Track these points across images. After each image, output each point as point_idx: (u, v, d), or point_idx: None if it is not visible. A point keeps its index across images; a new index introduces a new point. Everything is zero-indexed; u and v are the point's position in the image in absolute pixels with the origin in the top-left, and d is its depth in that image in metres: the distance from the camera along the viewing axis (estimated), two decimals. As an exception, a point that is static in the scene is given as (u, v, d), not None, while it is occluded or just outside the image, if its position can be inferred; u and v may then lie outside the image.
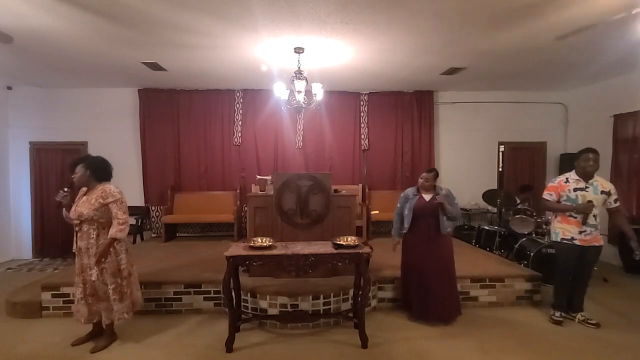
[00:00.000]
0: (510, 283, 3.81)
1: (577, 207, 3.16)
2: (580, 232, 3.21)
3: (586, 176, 3.23)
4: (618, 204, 3.27)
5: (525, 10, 3.22)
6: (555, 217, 3.38)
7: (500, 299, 3.79)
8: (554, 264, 3.65)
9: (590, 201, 3.15)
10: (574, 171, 3.34)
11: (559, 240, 3.32)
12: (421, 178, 3.36)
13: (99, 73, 5.15)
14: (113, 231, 2.84)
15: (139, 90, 6.03)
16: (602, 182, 3.25)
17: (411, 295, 3.40)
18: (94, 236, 2.86)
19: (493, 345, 2.96)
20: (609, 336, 3.11)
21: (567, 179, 3.31)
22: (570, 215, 3.25)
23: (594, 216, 3.21)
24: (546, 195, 3.35)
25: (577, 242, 3.22)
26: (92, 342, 2.99)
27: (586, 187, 3.20)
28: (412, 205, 3.35)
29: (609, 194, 3.22)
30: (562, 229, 3.30)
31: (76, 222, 2.87)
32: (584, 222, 3.17)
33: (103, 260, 2.84)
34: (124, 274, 2.96)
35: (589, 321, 3.29)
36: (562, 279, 3.38)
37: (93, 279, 2.85)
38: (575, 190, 3.23)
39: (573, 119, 6.40)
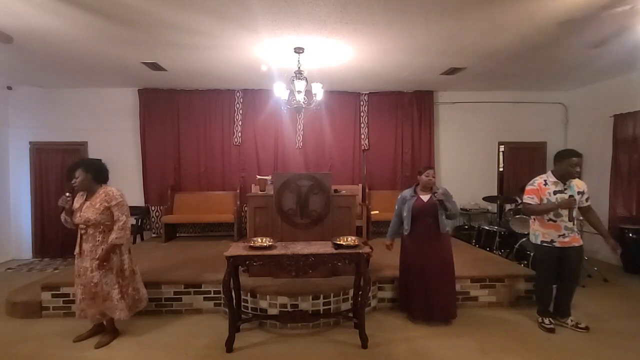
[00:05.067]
0: (510, 283, 3.81)
1: (561, 204, 3.13)
2: (559, 235, 3.20)
3: (566, 179, 3.20)
4: (589, 202, 3.27)
5: (529, 12, 3.23)
6: (534, 220, 3.34)
7: (500, 299, 3.79)
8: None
9: (571, 196, 3.14)
10: (550, 172, 3.28)
11: (539, 242, 3.29)
12: (426, 175, 3.31)
13: (99, 73, 5.15)
14: (113, 236, 2.87)
15: (139, 90, 6.03)
16: (577, 183, 3.23)
17: (411, 296, 3.38)
18: (100, 239, 2.90)
19: (493, 345, 2.96)
20: (609, 336, 3.11)
21: (545, 181, 3.26)
22: (550, 220, 3.22)
23: (573, 219, 3.19)
24: (527, 199, 3.28)
25: (556, 244, 3.21)
26: (94, 339, 3.02)
27: (565, 189, 3.18)
28: (411, 206, 3.33)
29: (583, 193, 3.22)
30: (542, 232, 3.28)
31: (82, 226, 2.90)
32: (570, 219, 3.14)
33: (105, 264, 2.87)
34: (127, 274, 3.01)
35: (579, 325, 3.22)
36: (544, 282, 3.35)
37: (95, 281, 2.87)
38: (555, 193, 3.19)
39: (573, 119, 6.40)
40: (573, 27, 3.52)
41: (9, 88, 5.84)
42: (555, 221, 3.21)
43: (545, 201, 3.22)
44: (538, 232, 3.31)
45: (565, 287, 3.31)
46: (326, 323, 3.34)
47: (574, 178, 3.20)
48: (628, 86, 5.25)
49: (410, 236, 3.37)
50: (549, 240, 3.23)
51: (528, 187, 3.33)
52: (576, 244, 3.22)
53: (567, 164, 3.16)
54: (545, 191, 3.23)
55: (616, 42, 3.85)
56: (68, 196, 2.92)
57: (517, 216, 4.91)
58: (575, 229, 3.23)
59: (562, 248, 3.20)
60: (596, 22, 3.40)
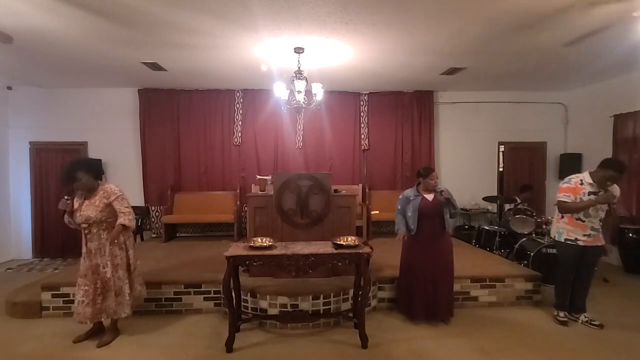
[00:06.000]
0: (510, 283, 3.81)
1: (598, 199, 3.11)
2: (584, 235, 3.22)
3: (600, 185, 3.18)
4: (615, 206, 3.26)
5: (528, 13, 3.23)
6: (562, 217, 3.34)
7: (500, 299, 3.79)
8: (554, 263, 3.65)
9: (607, 190, 3.11)
10: (587, 173, 3.27)
11: (562, 240, 3.31)
12: (431, 179, 3.30)
13: (99, 73, 5.15)
14: (121, 219, 2.91)
15: (139, 90, 6.03)
16: (612, 187, 3.21)
17: (414, 296, 3.35)
18: (104, 236, 2.93)
19: (493, 345, 2.96)
20: (609, 336, 3.11)
21: (581, 181, 3.24)
22: (578, 219, 3.23)
23: (600, 220, 3.21)
24: (563, 197, 3.24)
25: (580, 243, 3.23)
26: (94, 339, 3.03)
27: (599, 192, 3.16)
28: (416, 206, 3.31)
29: (614, 197, 3.21)
30: (567, 230, 3.28)
31: (84, 225, 2.91)
32: (611, 213, 3.18)
33: (115, 242, 2.93)
34: (132, 269, 3.06)
35: (593, 322, 3.28)
36: (563, 278, 3.39)
37: (108, 276, 2.90)
38: (589, 194, 3.18)
39: (573, 119, 6.40)
40: (573, 27, 3.52)
41: (9, 88, 5.84)
42: (584, 221, 3.22)
43: (579, 200, 3.21)
44: (562, 230, 3.32)
45: (581, 284, 3.36)
46: (326, 323, 3.34)
47: (605, 190, 3.15)
48: (628, 86, 5.25)
49: (415, 236, 3.34)
50: (573, 238, 3.25)
51: (564, 185, 3.30)
52: (599, 244, 3.25)
53: (603, 175, 3.15)
54: (580, 191, 3.22)
55: (617, 42, 3.86)
56: (67, 199, 2.94)
57: (517, 216, 4.91)
58: (601, 230, 3.24)
59: (585, 246, 3.23)
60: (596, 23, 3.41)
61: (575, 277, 3.40)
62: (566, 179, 3.35)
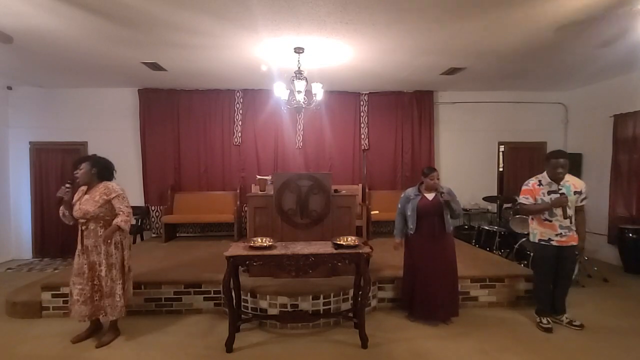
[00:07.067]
0: (510, 283, 3.81)
1: (553, 203, 3.15)
2: (557, 235, 3.22)
3: (557, 180, 3.21)
4: (584, 203, 3.28)
5: (529, 13, 3.23)
6: (532, 219, 3.37)
7: (500, 299, 3.79)
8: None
9: (562, 194, 3.13)
10: (545, 173, 3.30)
11: (536, 240, 3.33)
12: (431, 179, 3.29)
13: (99, 73, 5.15)
14: (118, 220, 2.90)
15: (139, 90, 6.03)
16: (574, 182, 3.23)
17: (415, 295, 3.36)
18: (101, 234, 2.91)
19: (493, 345, 2.96)
20: (609, 336, 3.11)
21: (539, 181, 3.29)
22: (546, 219, 3.25)
23: (569, 217, 3.19)
24: (522, 199, 3.33)
25: (554, 243, 3.23)
26: (92, 339, 3.02)
27: (559, 190, 3.17)
28: (416, 205, 3.32)
29: (580, 193, 3.23)
30: (540, 231, 3.31)
31: (82, 220, 2.90)
32: (565, 216, 3.15)
33: (109, 241, 2.89)
34: (126, 270, 3.04)
35: (574, 323, 3.25)
36: (542, 280, 3.37)
37: (103, 274, 2.89)
38: (549, 193, 3.22)
39: (573, 119, 6.40)
40: (572, 29, 3.52)
41: (9, 88, 5.84)
42: (550, 221, 3.23)
43: (539, 201, 3.26)
44: (536, 231, 3.34)
45: (560, 284, 3.35)
46: (326, 323, 3.34)
47: (560, 180, 3.20)
48: (628, 86, 5.25)
49: (415, 235, 3.35)
50: (546, 238, 3.27)
51: (523, 188, 3.39)
52: (573, 243, 3.25)
53: (549, 166, 3.20)
54: (539, 191, 3.27)
55: (619, 43, 3.86)
56: (67, 187, 2.92)
57: (517, 216, 4.91)
58: (573, 228, 3.25)
59: (560, 247, 3.23)
60: (596, 23, 3.41)
61: (555, 278, 3.36)
62: (526, 181, 3.41)
